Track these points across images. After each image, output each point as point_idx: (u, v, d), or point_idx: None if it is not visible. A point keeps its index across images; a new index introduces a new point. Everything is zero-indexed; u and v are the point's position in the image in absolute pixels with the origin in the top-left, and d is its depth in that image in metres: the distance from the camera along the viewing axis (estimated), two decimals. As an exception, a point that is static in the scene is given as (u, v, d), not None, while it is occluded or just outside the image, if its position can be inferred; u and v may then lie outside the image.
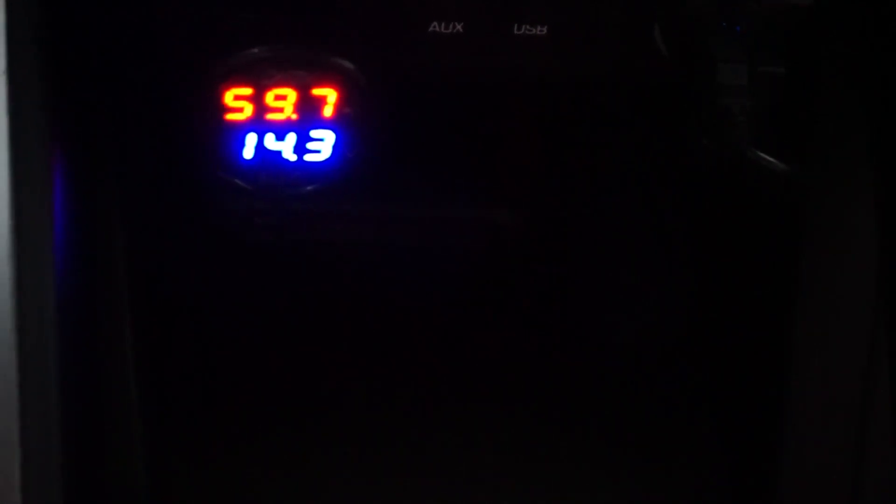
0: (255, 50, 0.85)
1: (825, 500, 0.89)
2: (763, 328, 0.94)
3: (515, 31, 0.85)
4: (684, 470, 1.00)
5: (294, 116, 0.86)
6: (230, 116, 0.86)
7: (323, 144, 0.88)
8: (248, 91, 0.86)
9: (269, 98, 0.86)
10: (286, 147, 0.87)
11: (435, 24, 0.85)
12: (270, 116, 0.86)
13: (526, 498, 0.98)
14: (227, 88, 0.85)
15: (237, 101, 0.86)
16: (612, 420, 1.01)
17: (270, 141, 0.87)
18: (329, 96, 0.86)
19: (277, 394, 0.99)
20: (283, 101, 0.86)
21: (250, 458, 0.97)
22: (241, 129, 0.87)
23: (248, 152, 0.88)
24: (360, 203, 0.98)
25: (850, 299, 0.87)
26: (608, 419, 1.01)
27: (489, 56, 0.87)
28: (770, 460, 0.91)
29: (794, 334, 0.89)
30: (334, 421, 0.98)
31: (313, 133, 0.87)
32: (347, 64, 0.86)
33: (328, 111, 0.87)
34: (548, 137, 1.00)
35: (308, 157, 0.88)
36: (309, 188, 0.89)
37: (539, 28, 0.85)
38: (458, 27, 0.85)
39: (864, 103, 0.84)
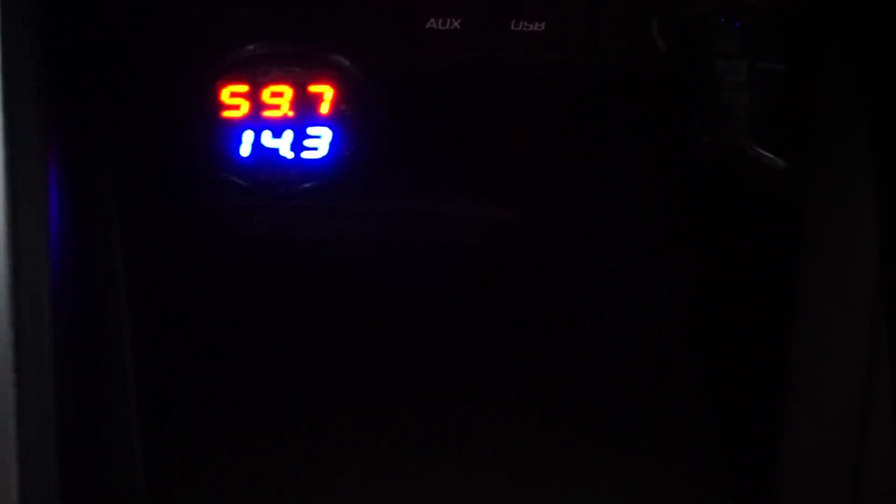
0: (252, 47, 0.85)
1: (825, 499, 0.89)
2: (763, 326, 0.94)
3: (513, 28, 0.85)
4: (684, 470, 1.00)
5: (291, 113, 0.86)
6: (226, 114, 0.86)
7: (320, 142, 0.88)
8: (244, 88, 0.85)
9: (266, 95, 0.86)
10: (283, 144, 0.87)
11: (432, 20, 0.85)
12: (267, 114, 0.86)
13: (526, 497, 0.98)
14: (224, 86, 0.85)
15: (233, 99, 0.86)
16: (612, 419, 1.01)
17: (267, 138, 0.87)
18: (326, 93, 0.86)
19: (276, 393, 0.99)
20: (280, 99, 0.86)
21: (249, 457, 0.97)
22: (238, 126, 0.86)
23: (245, 150, 0.87)
24: (358, 200, 0.98)
25: (850, 297, 0.87)
26: (608, 418, 1.01)
27: (487, 52, 0.86)
28: (770, 460, 0.91)
29: (794, 333, 0.89)
30: (334, 420, 0.98)
31: (310, 130, 0.87)
32: (344, 61, 0.86)
33: (325, 108, 0.86)
34: (545, 134, 1.00)
35: (305, 155, 0.88)
36: (306, 185, 0.89)
37: (537, 24, 0.85)
38: (456, 23, 0.85)
39: (864, 99, 0.84)
